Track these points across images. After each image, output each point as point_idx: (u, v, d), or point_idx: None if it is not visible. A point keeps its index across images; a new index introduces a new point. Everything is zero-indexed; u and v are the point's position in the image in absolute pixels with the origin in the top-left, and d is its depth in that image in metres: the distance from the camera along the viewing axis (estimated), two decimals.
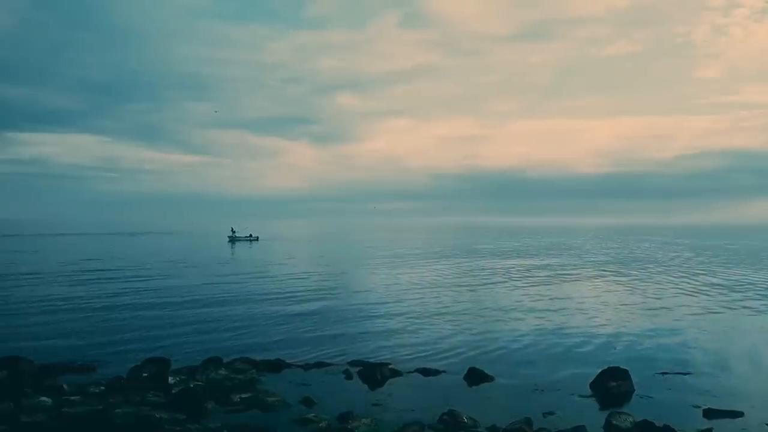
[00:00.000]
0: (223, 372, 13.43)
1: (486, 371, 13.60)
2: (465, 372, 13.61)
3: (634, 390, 12.37)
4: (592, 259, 54.48)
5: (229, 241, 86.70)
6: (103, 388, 11.82)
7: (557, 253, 63.63)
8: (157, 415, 9.92)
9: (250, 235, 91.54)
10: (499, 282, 34.23)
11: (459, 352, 16.13)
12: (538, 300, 26.40)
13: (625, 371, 12.70)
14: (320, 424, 10.13)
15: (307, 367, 14.30)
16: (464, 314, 22.43)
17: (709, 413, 10.88)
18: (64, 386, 11.82)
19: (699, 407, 11.25)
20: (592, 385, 12.58)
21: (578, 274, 39.49)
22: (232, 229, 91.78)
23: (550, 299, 26.65)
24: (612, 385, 12.30)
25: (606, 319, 21.30)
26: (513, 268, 44.10)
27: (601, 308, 23.99)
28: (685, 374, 13.84)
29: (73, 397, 11.14)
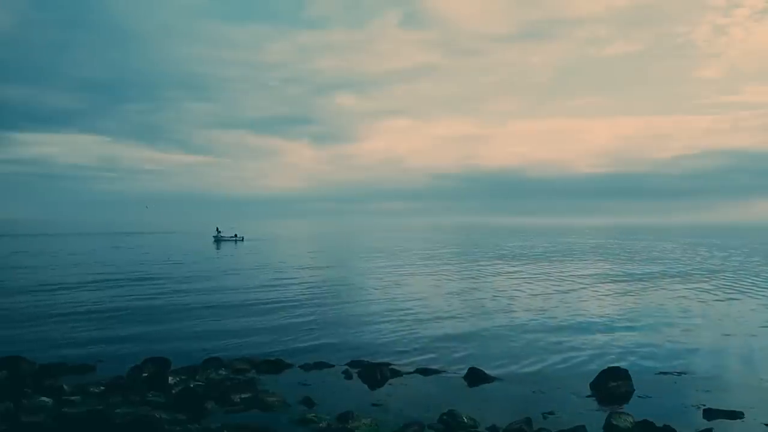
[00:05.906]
0: (223, 372, 13.45)
1: (486, 371, 13.61)
2: (465, 372, 13.62)
3: (634, 390, 12.37)
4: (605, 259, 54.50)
5: (214, 242, 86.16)
6: (103, 388, 11.83)
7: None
8: (157, 415, 9.91)
9: (235, 236, 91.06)
10: (499, 282, 34.22)
11: (459, 352, 16.13)
12: (538, 300, 26.39)
13: (625, 371, 12.72)
14: (320, 424, 10.14)
15: (307, 367, 14.29)
16: (464, 314, 22.44)
17: (709, 413, 10.88)
18: (64, 386, 11.82)
19: (699, 407, 11.26)
20: (592, 385, 12.59)
21: (582, 273, 39.49)
22: (217, 229, 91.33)
23: (550, 299, 26.65)
24: (612, 385, 12.31)
25: (607, 319, 21.30)
26: (510, 268, 44.09)
27: (601, 308, 23.99)
28: (685, 374, 13.84)
29: (73, 397, 11.16)
